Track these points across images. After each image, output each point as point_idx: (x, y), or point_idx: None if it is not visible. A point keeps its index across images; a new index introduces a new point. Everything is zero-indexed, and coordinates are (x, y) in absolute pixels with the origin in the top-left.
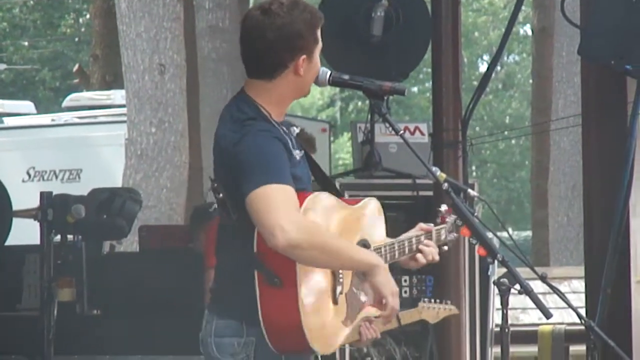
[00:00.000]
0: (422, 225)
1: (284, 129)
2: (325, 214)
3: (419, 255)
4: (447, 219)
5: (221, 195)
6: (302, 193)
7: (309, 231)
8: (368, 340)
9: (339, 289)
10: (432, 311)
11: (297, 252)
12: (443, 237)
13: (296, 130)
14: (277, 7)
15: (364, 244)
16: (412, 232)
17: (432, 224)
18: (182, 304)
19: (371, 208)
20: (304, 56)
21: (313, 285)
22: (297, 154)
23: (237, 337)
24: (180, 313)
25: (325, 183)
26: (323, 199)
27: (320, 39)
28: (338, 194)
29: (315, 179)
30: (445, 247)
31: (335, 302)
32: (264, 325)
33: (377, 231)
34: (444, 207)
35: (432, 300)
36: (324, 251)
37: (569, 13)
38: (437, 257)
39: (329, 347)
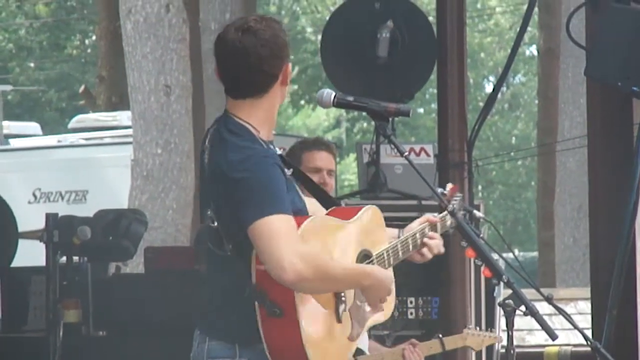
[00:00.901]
0: (428, 216)
1: (272, 147)
2: (322, 237)
3: (424, 250)
4: (453, 201)
5: (215, 224)
6: (297, 218)
7: (316, 262)
8: None
9: (342, 307)
10: (476, 338)
11: (305, 284)
12: (449, 222)
13: (278, 151)
14: (256, 24)
15: (366, 254)
16: (416, 225)
17: (437, 215)
18: (188, 326)
19: (369, 216)
20: (289, 64)
21: (314, 311)
22: (287, 173)
23: (230, 358)
24: (186, 334)
25: (319, 195)
26: (317, 223)
27: None
28: (332, 203)
29: (311, 192)
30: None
31: (339, 321)
32: (270, 355)
33: (377, 238)
34: (449, 186)
35: (477, 328)
36: (327, 280)
37: (575, 34)
38: (442, 250)
39: None
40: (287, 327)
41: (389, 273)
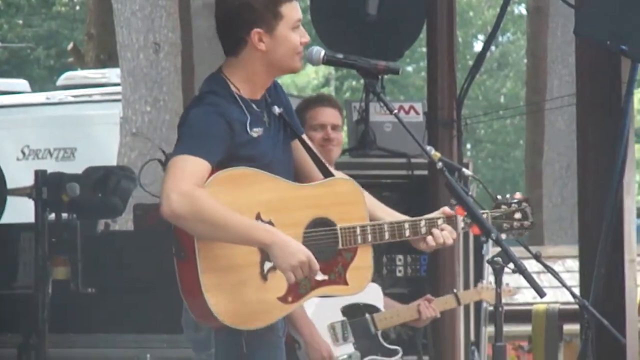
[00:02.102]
0: (445, 209)
1: (254, 106)
2: (244, 189)
3: (428, 238)
4: (502, 206)
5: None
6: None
7: (194, 202)
8: (427, 318)
9: (267, 265)
10: (491, 292)
11: (181, 222)
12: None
13: (277, 110)
14: None
15: (323, 222)
16: (431, 214)
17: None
18: (176, 283)
19: (343, 188)
20: (258, 30)
21: (221, 259)
22: (256, 131)
23: None
24: (175, 292)
25: (318, 165)
26: (243, 174)
27: (287, 15)
28: (327, 175)
29: (317, 165)
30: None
31: (264, 278)
32: (183, 296)
33: (352, 213)
34: (517, 194)
35: (490, 282)
36: (209, 224)
37: None
38: (449, 241)
39: (252, 322)
40: (189, 270)
41: (301, 246)
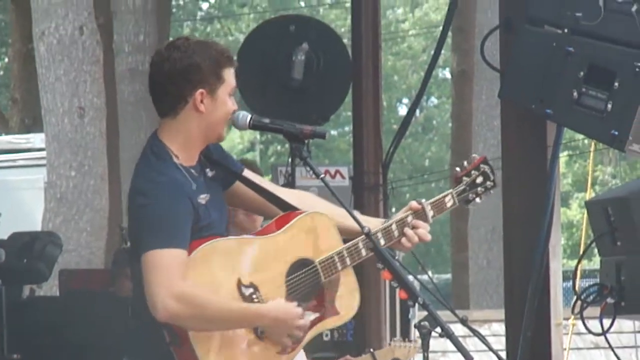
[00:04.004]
0: (412, 203)
1: (193, 172)
2: (223, 260)
3: (403, 240)
4: (463, 178)
5: (128, 244)
6: (197, 242)
7: (191, 303)
8: None
9: (260, 327)
10: (404, 349)
11: (180, 322)
12: (449, 204)
13: (210, 173)
14: (182, 43)
15: (303, 263)
16: (398, 215)
17: (424, 201)
18: (103, 348)
19: (310, 223)
20: (201, 90)
21: (214, 339)
22: (203, 198)
23: None
24: (101, 357)
25: (274, 200)
26: (219, 245)
27: (227, 80)
28: (287, 208)
29: (268, 200)
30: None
31: (260, 338)
32: None
33: (327, 242)
34: (473, 156)
35: (403, 340)
36: (206, 319)
37: (489, 56)
38: (426, 238)
39: None
40: (188, 356)
41: (292, 310)
